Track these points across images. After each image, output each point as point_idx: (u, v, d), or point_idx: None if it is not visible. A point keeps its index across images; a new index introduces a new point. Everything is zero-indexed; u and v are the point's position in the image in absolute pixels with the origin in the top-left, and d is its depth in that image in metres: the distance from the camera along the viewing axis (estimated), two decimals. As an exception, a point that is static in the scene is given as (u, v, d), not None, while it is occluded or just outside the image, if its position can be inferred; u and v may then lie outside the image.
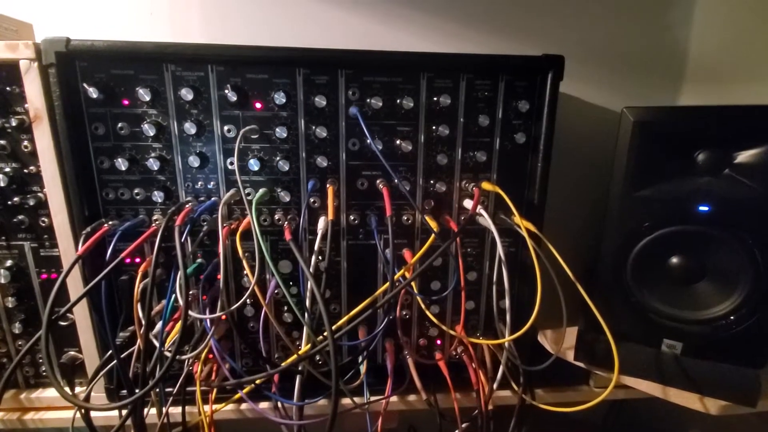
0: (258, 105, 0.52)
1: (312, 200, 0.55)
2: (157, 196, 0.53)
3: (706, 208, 0.48)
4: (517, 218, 0.51)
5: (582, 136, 0.72)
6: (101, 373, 0.52)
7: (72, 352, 0.59)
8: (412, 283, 0.52)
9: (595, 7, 0.71)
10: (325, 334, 0.47)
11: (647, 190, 0.50)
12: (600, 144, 0.70)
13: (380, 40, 0.69)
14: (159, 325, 0.51)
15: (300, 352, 0.48)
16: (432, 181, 0.57)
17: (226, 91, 0.51)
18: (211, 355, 0.55)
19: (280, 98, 0.51)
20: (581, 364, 0.59)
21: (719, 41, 0.73)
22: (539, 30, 0.71)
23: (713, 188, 0.47)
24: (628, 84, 0.74)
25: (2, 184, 0.52)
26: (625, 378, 0.56)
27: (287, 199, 0.55)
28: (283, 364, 0.48)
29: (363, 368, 0.55)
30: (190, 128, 0.51)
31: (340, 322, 0.50)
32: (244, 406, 0.59)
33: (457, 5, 0.69)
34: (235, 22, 0.67)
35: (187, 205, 0.51)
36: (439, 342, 0.64)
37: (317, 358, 0.61)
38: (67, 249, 0.54)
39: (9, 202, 0.53)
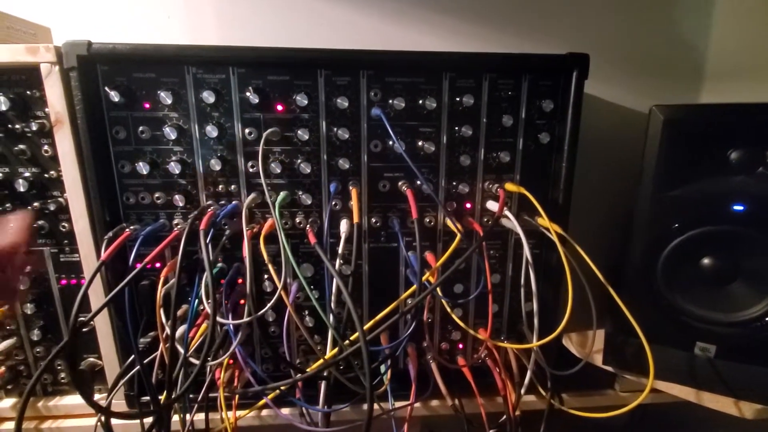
0: (279, 107, 0.52)
1: (333, 203, 0.55)
2: (178, 200, 0.53)
3: (741, 208, 0.47)
4: (543, 220, 0.50)
5: (603, 135, 0.71)
6: (123, 380, 0.51)
7: (91, 359, 0.59)
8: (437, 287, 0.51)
9: (614, 6, 0.70)
10: (351, 338, 0.47)
11: (678, 190, 0.49)
12: (621, 143, 0.69)
13: (401, 41, 0.69)
14: (180, 330, 0.50)
15: (326, 357, 0.47)
16: (455, 183, 0.56)
17: (248, 94, 0.50)
18: (231, 360, 0.55)
19: (301, 100, 0.51)
20: (610, 368, 0.58)
21: (739, 39, 0.72)
22: (554, 30, 0.71)
23: (748, 187, 0.46)
24: (647, 82, 0.73)
25: (22, 189, 0.51)
26: (657, 382, 0.55)
27: (309, 201, 0.54)
28: (309, 369, 0.47)
29: (387, 375, 0.54)
30: (211, 131, 0.50)
31: (366, 326, 0.49)
32: (266, 411, 0.58)
33: (478, 6, 0.69)
34: (252, 24, 0.67)
35: (209, 209, 0.50)
36: (461, 346, 0.63)
37: (340, 364, 0.60)
38: (87, 254, 0.53)
39: (29, 208, 0.53)
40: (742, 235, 0.48)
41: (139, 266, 0.46)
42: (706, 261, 0.51)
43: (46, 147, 0.51)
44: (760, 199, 0.47)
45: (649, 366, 0.45)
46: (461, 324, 0.51)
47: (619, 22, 0.71)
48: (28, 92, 0.49)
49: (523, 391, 0.54)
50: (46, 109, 0.49)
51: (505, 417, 0.55)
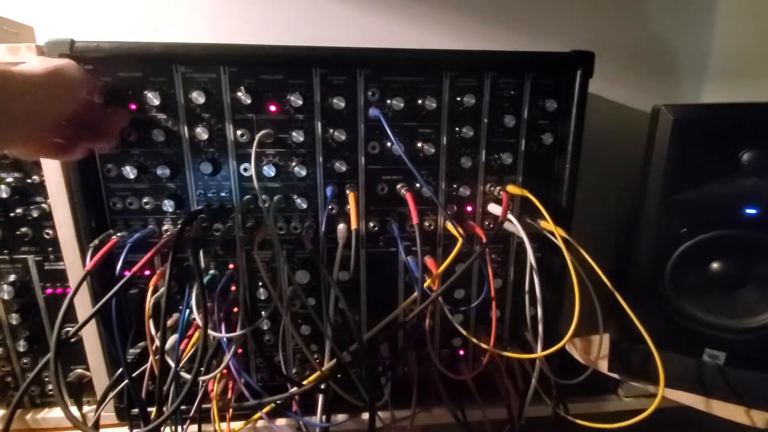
0: (273, 107, 0.50)
1: (330, 207, 0.53)
2: (168, 205, 0.50)
3: (753, 211, 0.45)
4: (547, 223, 0.48)
5: (604, 135, 0.70)
6: (110, 396, 0.49)
7: (79, 370, 0.57)
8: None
9: (616, 4, 0.68)
10: (350, 349, 0.45)
11: (687, 192, 0.47)
12: (623, 143, 0.68)
13: (400, 39, 0.66)
14: (171, 340, 0.48)
15: (324, 369, 0.45)
16: (455, 185, 0.54)
17: (240, 94, 0.48)
18: (225, 371, 0.53)
19: (296, 100, 0.48)
20: (616, 375, 0.56)
21: (742, 37, 0.71)
22: (554, 28, 0.68)
23: (760, 190, 0.45)
24: (649, 81, 0.71)
25: (4, 195, 0.49)
26: (666, 390, 0.54)
27: (304, 206, 0.52)
28: (306, 381, 0.45)
29: (388, 387, 0.52)
30: (201, 133, 0.48)
31: (366, 336, 0.47)
32: (261, 423, 0.56)
33: (479, 3, 0.67)
34: (244, 21, 0.65)
35: (200, 214, 0.48)
36: (462, 352, 0.61)
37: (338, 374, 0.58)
38: (73, 262, 0.51)
39: (12, 214, 0.51)
40: (754, 239, 0.46)
41: (127, 275, 0.45)
42: (715, 266, 0.49)
43: (28, 151, 0.48)
44: (774, 202, 0.45)
45: (659, 374, 0.43)
46: (464, 333, 0.49)
47: (619, 19, 0.69)
48: (8, 93, 0.47)
49: (527, 400, 0.53)
50: (28, 111, 0.47)
51: (509, 426, 0.53)
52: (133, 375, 0.47)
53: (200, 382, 0.49)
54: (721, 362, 0.51)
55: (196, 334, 0.49)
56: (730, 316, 0.50)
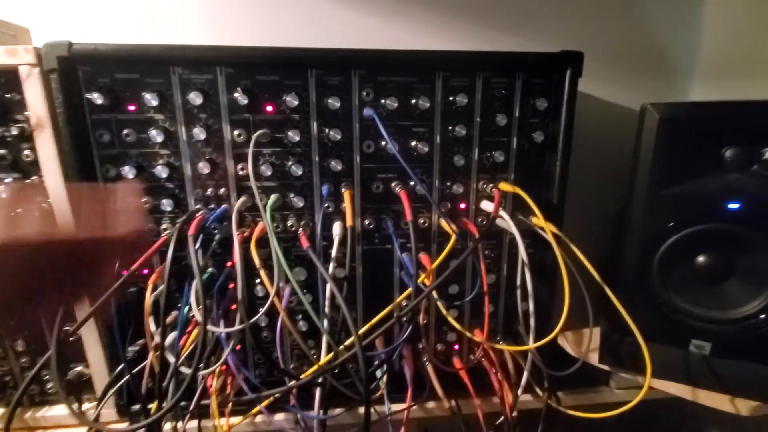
0: (269, 108, 0.50)
1: (326, 205, 0.54)
2: (166, 204, 0.51)
3: (736, 206, 0.47)
4: (539, 220, 0.50)
5: (593, 133, 0.71)
6: (111, 392, 0.50)
7: (78, 368, 0.57)
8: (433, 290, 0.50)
9: (603, 4, 0.70)
10: (346, 343, 0.46)
11: (673, 188, 0.49)
12: (611, 140, 0.69)
13: (394, 40, 0.67)
14: (170, 337, 0.49)
15: (320, 363, 0.46)
16: (449, 183, 0.55)
17: (236, 95, 0.49)
18: (224, 367, 0.53)
19: (291, 100, 0.49)
20: (606, 367, 0.58)
21: (729, 37, 0.72)
22: (543, 28, 0.70)
23: (742, 185, 0.46)
24: (637, 80, 0.73)
25: (3, 196, 0.49)
26: (653, 380, 0.55)
27: (300, 204, 0.53)
28: (303, 375, 0.46)
29: (383, 381, 0.53)
30: (199, 133, 0.49)
31: (362, 330, 0.48)
32: (259, 418, 0.57)
33: (471, 4, 0.68)
34: (240, 22, 0.65)
35: (198, 214, 0.49)
36: (456, 347, 0.62)
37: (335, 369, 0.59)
38: (72, 262, 0.51)
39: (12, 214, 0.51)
40: (737, 233, 0.48)
41: (126, 273, 0.45)
42: (701, 259, 0.51)
43: (26, 152, 0.49)
44: (755, 196, 0.46)
45: (646, 365, 0.45)
46: (458, 326, 0.50)
47: (611, 20, 0.70)
48: (6, 95, 0.47)
49: (520, 391, 0.54)
50: (26, 113, 0.47)
51: (502, 418, 0.54)
52: (133, 371, 0.48)
53: (199, 378, 0.49)
54: (707, 353, 0.52)
55: (195, 331, 0.50)
56: (716, 307, 0.51)
